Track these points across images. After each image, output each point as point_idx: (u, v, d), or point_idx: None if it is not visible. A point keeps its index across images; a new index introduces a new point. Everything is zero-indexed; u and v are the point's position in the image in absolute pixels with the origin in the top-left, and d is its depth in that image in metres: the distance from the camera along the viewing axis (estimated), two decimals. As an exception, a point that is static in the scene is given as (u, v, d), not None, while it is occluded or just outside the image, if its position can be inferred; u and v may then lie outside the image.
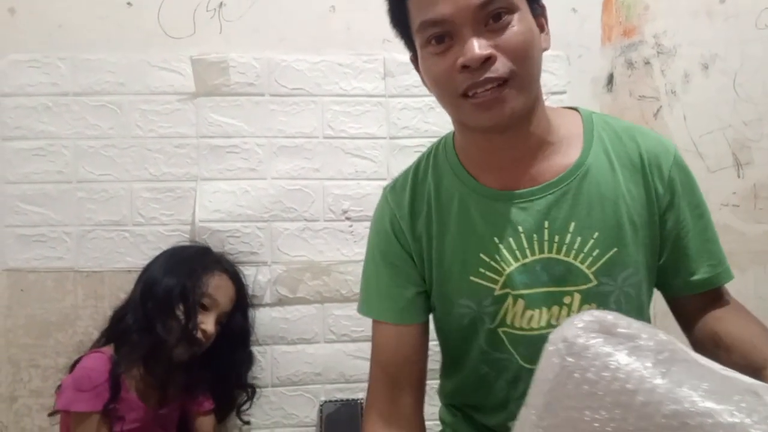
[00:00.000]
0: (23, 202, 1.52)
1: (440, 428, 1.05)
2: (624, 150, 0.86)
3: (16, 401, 1.51)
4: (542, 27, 0.81)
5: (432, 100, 1.60)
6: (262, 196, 1.57)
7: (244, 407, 1.53)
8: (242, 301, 1.49)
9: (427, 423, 0.96)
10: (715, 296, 0.89)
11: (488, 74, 0.74)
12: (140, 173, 1.55)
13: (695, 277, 0.88)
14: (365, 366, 1.62)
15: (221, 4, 1.57)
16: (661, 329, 0.59)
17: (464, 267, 0.88)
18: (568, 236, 0.84)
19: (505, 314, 0.87)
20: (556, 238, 0.84)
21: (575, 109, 0.92)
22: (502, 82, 0.75)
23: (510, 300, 0.86)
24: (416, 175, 0.94)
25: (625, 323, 0.58)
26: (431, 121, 1.61)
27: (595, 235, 0.83)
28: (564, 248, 0.84)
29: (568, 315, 0.84)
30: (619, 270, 0.84)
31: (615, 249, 0.83)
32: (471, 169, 0.89)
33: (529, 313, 0.85)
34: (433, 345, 1.05)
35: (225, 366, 1.46)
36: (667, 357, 0.55)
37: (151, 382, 1.33)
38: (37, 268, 1.52)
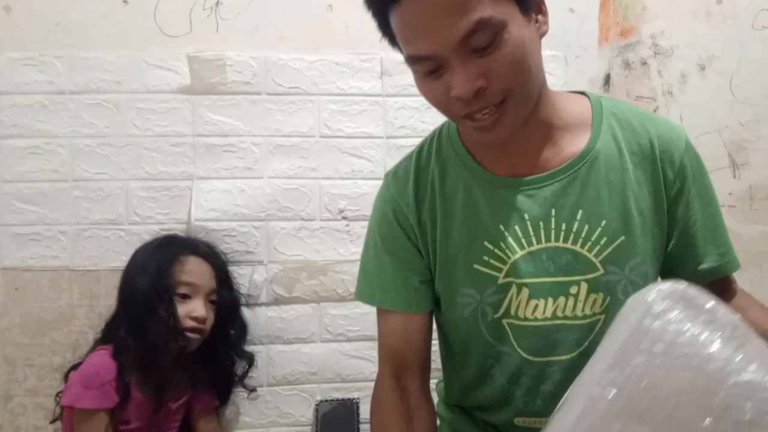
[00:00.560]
0: (19, 201, 1.51)
1: (437, 424, 1.05)
2: (634, 136, 0.84)
3: (11, 400, 1.50)
4: (540, 9, 0.77)
5: (429, 99, 1.62)
6: (259, 195, 1.57)
7: (247, 375, 1.52)
8: (223, 274, 1.46)
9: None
10: (724, 285, 0.88)
11: (484, 103, 0.73)
12: (136, 172, 1.54)
13: (703, 266, 0.86)
14: (361, 365, 1.62)
15: (218, 2, 1.57)
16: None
17: (468, 255, 0.86)
18: (576, 224, 0.83)
19: (509, 304, 0.86)
20: (563, 226, 0.83)
21: (584, 93, 0.90)
22: (500, 102, 0.74)
23: (514, 289, 0.85)
24: (419, 160, 0.92)
25: (704, 298, 0.59)
26: (428, 120, 1.61)
27: (603, 223, 0.82)
28: (571, 236, 0.83)
29: (574, 306, 0.84)
30: (626, 259, 0.83)
31: (623, 237, 0.82)
32: (477, 156, 0.88)
33: (533, 302, 0.84)
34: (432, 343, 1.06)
35: (220, 340, 1.44)
36: (742, 334, 0.56)
37: (156, 379, 1.32)
38: (32, 267, 1.51)
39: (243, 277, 1.55)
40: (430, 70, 0.75)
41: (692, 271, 0.87)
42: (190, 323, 1.33)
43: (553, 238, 0.83)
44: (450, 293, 0.90)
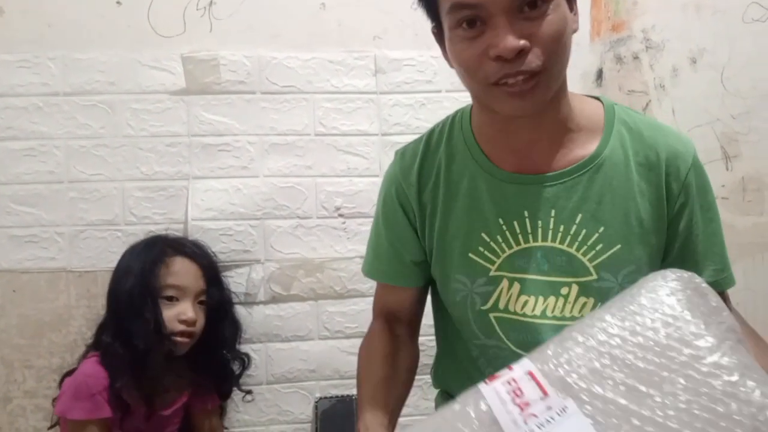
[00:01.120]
0: (15, 203, 1.51)
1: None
2: (642, 147, 0.85)
3: (10, 402, 1.50)
4: (572, 8, 0.78)
5: (424, 96, 1.63)
6: (255, 194, 1.57)
7: (242, 377, 1.51)
8: (211, 274, 1.42)
9: (422, 416, 0.97)
10: None
11: (522, 67, 0.72)
12: (132, 172, 1.54)
13: None
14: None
15: (211, 2, 1.57)
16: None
17: (465, 243, 0.88)
18: (574, 227, 0.84)
19: (498, 298, 0.87)
20: (561, 228, 0.84)
21: (598, 98, 0.91)
22: (533, 75, 0.73)
23: (505, 283, 0.86)
24: (428, 144, 0.94)
25: (715, 297, 0.61)
26: (423, 117, 1.62)
27: (601, 229, 0.83)
28: (568, 239, 0.84)
29: (563, 307, 0.85)
30: (621, 267, 0.83)
31: (619, 245, 0.83)
32: (486, 148, 0.89)
33: (524, 298, 0.86)
34: (426, 340, 1.06)
35: (212, 341, 1.41)
36: (737, 339, 0.57)
37: (145, 386, 1.28)
38: (29, 269, 1.51)
39: (240, 275, 1.55)
40: (470, 22, 0.73)
41: None
42: (179, 327, 1.30)
43: (550, 237, 0.85)
44: (445, 277, 0.92)
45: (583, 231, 0.83)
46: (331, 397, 1.58)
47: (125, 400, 1.25)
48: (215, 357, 1.44)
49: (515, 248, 0.86)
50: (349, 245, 1.60)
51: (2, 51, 1.51)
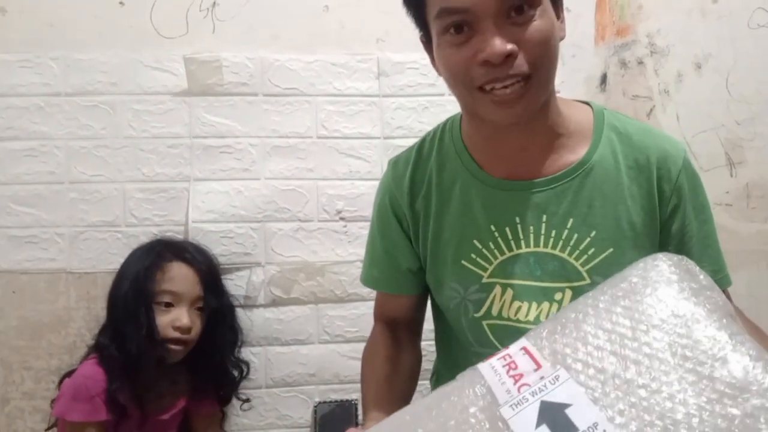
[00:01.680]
0: (15, 203, 1.51)
1: None
2: (632, 150, 0.85)
3: (9, 403, 1.50)
4: (558, 15, 0.79)
5: (426, 99, 1.62)
6: (256, 197, 1.56)
7: (239, 384, 1.50)
8: (210, 280, 1.40)
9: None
10: None
11: (510, 71, 0.73)
12: (133, 174, 1.54)
13: None
14: (359, 367, 1.62)
15: (214, 3, 1.56)
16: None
17: (457, 250, 0.89)
18: (565, 232, 0.84)
19: (491, 304, 0.87)
20: (553, 233, 0.84)
21: (587, 103, 0.91)
22: (522, 79, 0.73)
23: (498, 289, 0.87)
24: (420, 152, 0.94)
25: (706, 277, 0.63)
26: (425, 120, 1.61)
27: (593, 233, 0.83)
28: (560, 244, 0.84)
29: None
30: (613, 271, 0.82)
31: (611, 249, 0.83)
32: (476, 156, 0.89)
33: (517, 303, 0.86)
34: (427, 345, 1.06)
35: (211, 347, 1.40)
36: (728, 314, 0.59)
37: (139, 389, 1.27)
38: (29, 270, 1.51)
39: (241, 278, 1.55)
40: (457, 28, 0.74)
41: None
42: (173, 333, 1.29)
43: (542, 243, 0.85)
44: (439, 284, 0.93)
45: (575, 236, 0.83)
46: (331, 402, 1.57)
47: (122, 403, 1.24)
48: (214, 363, 1.43)
49: (507, 254, 0.86)
50: (350, 249, 1.59)
51: (3, 51, 1.51)
